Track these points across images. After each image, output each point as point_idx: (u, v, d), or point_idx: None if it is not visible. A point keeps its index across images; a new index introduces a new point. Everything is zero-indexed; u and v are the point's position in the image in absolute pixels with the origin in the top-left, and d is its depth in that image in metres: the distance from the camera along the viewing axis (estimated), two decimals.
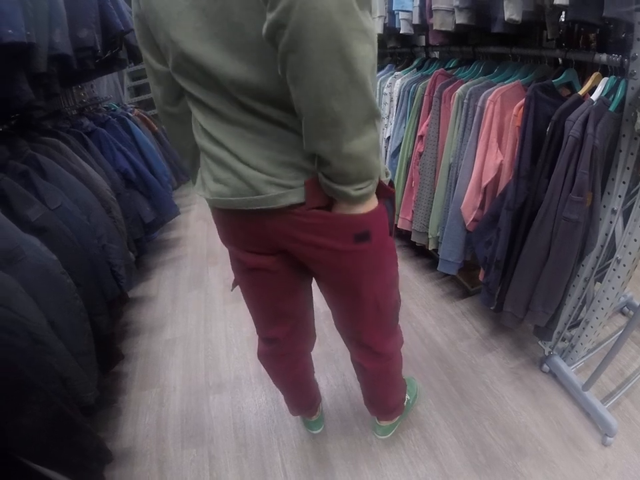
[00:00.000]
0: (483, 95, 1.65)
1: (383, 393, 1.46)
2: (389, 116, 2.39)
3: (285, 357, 1.34)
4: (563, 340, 1.72)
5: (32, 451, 1.06)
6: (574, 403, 1.62)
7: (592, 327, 1.56)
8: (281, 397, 1.60)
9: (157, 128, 3.58)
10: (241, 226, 0.94)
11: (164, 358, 2.19)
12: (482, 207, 1.77)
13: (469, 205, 1.76)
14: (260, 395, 1.87)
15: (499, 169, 1.64)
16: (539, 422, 1.58)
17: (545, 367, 1.75)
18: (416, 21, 1.96)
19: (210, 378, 2.02)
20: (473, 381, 1.78)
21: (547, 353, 1.76)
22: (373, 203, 0.83)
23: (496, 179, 1.67)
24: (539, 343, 1.81)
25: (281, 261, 0.99)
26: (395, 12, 2.11)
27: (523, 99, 1.47)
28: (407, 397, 1.62)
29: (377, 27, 2.29)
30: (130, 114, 3.22)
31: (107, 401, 1.87)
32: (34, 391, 1.04)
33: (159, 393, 1.98)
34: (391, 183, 0.97)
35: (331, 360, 1.98)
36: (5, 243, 1.26)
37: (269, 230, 0.90)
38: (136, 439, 1.77)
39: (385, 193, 0.89)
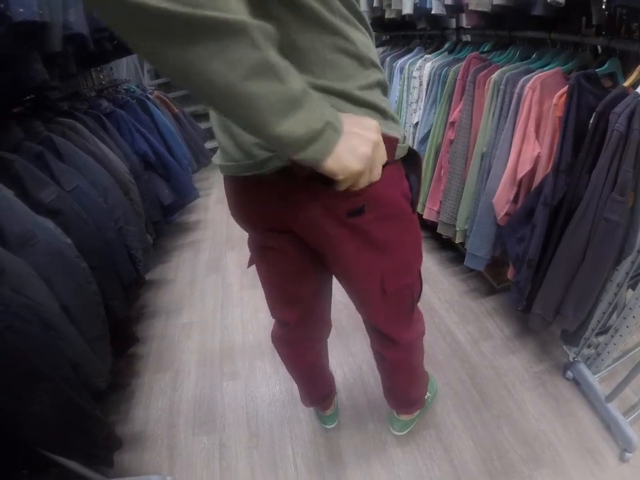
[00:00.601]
0: (521, 81, 1.57)
1: (404, 384, 1.42)
2: (417, 101, 2.32)
3: (297, 343, 1.32)
4: (589, 347, 1.64)
5: (41, 438, 1.06)
6: (595, 413, 1.56)
7: (621, 335, 1.48)
8: (295, 388, 1.57)
9: (177, 110, 3.56)
10: (244, 196, 0.91)
11: (179, 342, 2.19)
12: (515, 200, 1.69)
13: (502, 198, 1.68)
14: (274, 385, 1.85)
15: (536, 161, 1.56)
16: (558, 431, 1.53)
17: (569, 373, 1.69)
18: (449, 1, 1.88)
19: (225, 364, 2.01)
20: (495, 383, 1.73)
21: (571, 359, 1.69)
22: (350, 163, 0.62)
23: (532, 172, 1.60)
24: (564, 347, 1.74)
25: (289, 240, 0.94)
26: None
27: (564, 88, 1.39)
28: (427, 392, 1.58)
29: (407, 7, 2.19)
30: (150, 96, 3.19)
31: (121, 384, 1.90)
32: (43, 379, 1.03)
33: (172, 377, 1.98)
34: (413, 152, 0.90)
35: (348, 353, 1.94)
36: (17, 227, 1.24)
37: (266, 202, 0.86)
38: (147, 423, 1.78)
39: (392, 153, 0.78)
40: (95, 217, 1.68)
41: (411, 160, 0.89)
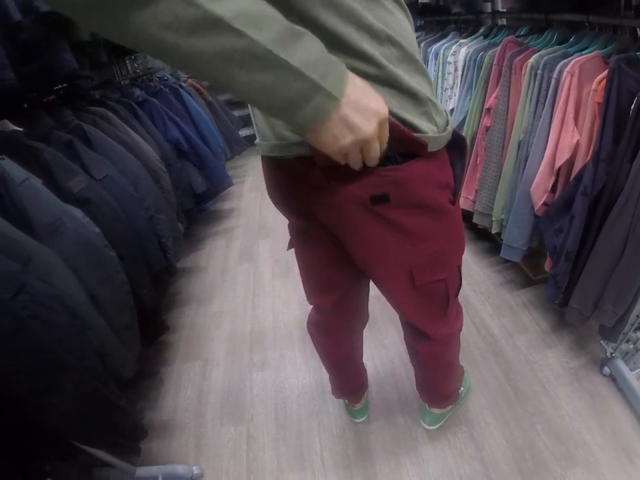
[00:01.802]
0: (559, 65, 1.48)
1: (437, 379, 1.38)
2: (452, 87, 2.24)
3: (332, 332, 1.30)
4: (628, 342, 1.56)
5: (65, 428, 1.07)
6: (632, 411, 1.48)
7: None
8: (325, 380, 1.57)
9: (210, 98, 3.56)
10: (275, 179, 0.90)
11: (210, 331, 2.20)
12: (553, 190, 1.61)
13: (540, 187, 1.61)
14: (304, 377, 1.83)
15: (575, 149, 1.47)
16: (593, 429, 1.46)
17: (606, 369, 1.61)
18: None
19: (254, 354, 2.00)
20: (530, 379, 1.66)
21: (609, 355, 1.61)
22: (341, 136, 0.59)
23: (571, 160, 1.51)
24: (601, 342, 1.66)
25: (324, 226, 0.90)
26: None
27: (604, 72, 1.30)
28: (461, 387, 1.54)
29: None
30: (183, 84, 3.20)
31: (150, 372, 1.92)
32: (68, 370, 1.03)
33: (202, 366, 1.99)
34: (460, 138, 0.86)
35: (380, 345, 1.91)
36: (45, 216, 1.24)
37: (294, 186, 0.85)
38: (176, 411, 1.79)
39: (417, 146, 0.73)
40: (125, 205, 1.68)
41: (457, 147, 0.85)
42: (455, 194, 0.88)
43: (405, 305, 1.08)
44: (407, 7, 0.74)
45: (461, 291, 1.93)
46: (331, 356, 1.40)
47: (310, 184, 0.79)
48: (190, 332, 2.21)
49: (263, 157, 0.88)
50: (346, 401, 1.62)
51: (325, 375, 1.68)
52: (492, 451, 1.45)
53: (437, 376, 1.37)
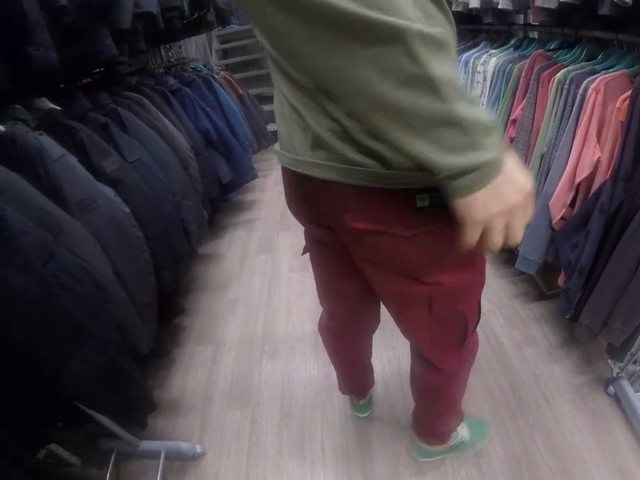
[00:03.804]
0: (585, 82, 1.49)
1: (432, 412, 1.35)
2: (480, 96, 2.25)
3: (343, 336, 1.32)
4: (635, 363, 1.55)
5: (80, 393, 1.12)
6: (632, 433, 1.48)
7: None
8: (332, 374, 1.59)
9: (241, 91, 3.61)
10: (289, 187, 0.89)
11: (224, 317, 2.25)
12: (572, 205, 1.62)
13: (559, 201, 1.62)
14: (312, 368, 1.88)
15: (596, 166, 1.48)
16: (592, 448, 1.46)
17: (611, 389, 1.61)
18: None
19: (266, 343, 2.05)
20: (534, 391, 1.67)
21: (614, 374, 1.60)
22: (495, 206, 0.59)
23: (591, 177, 1.51)
24: (609, 361, 1.66)
25: (337, 238, 0.88)
26: None
27: (629, 92, 1.30)
28: (465, 434, 1.47)
29: (474, 1, 2.15)
30: (216, 75, 3.26)
31: (162, 352, 1.97)
32: (89, 338, 1.09)
33: (213, 350, 2.05)
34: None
35: (389, 345, 1.93)
36: (79, 192, 1.31)
37: (307, 199, 0.84)
38: (184, 392, 1.85)
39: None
40: (154, 189, 1.74)
41: None
42: None
43: (419, 332, 1.05)
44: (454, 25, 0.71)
45: None
46: (340, 357, 1.42)
47: (324, 202, 0.80)
48: (205, 317, 2.27)
49: (283, 167, 0.86)
50: (352, 398, 1.65)
51: (332, 369, 1.71)
52: (490, 458, 1.47)
53: (433, 409, 1.34)
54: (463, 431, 1.45)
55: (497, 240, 0.62)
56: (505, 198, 0.57)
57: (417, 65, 0.47)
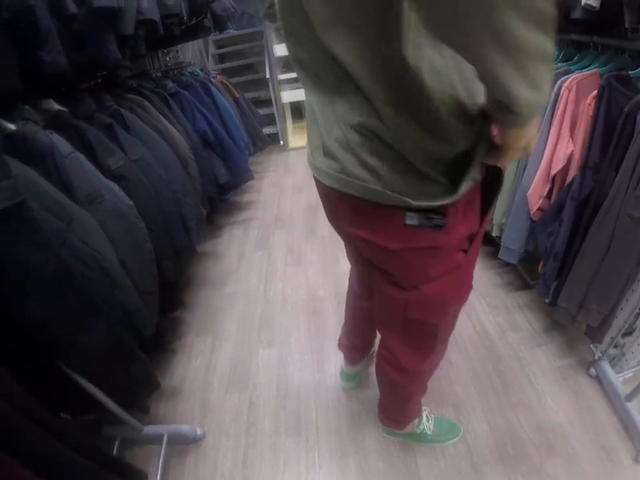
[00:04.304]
0: (559, 81, 1.59)
1: (389, 400, 1.46)
2: None
3: (361, 294, 1.44)
4: (615, 347, 1.64)
5: (86, 368, 1.19)
6: (614, 412, 1.56)
7: None
8: (325, 359, 1.75)
9: (237, 95, 3.70)
10: (316, 186, 0.97)
11: (223, 310, 2.34)
12: (549, 196, 1.72)
13: (536, 193, 1.72)
14: (306, 354, 1.97)
15: (569, 159, 1.58)
16: (575, 424, 1.54)
17: (592, 370, 1.69)
18: None
19: (262, 333, 2.14)
20: (517, 373, 1.76)
21: (596, 357, 1.69)
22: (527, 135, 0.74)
23: (565, 169, 1.62)
24: (590, 346, 1.74)
25: None
26: None
27: None
28: (429, 428, 1.53)
29: None
30: (212, 79, 3.35)
31: (164, 343, 2.06)
32: (100, 314, 1.18)
33: (212, 340, 2.14)
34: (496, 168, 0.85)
35: None
36: (87, 186, 1.40)
37: (323, 196, 0.96)
38: (185, 379, 1.94)
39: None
40: (155, 186, 1.84)
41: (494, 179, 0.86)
42: (472, 241, 0.88)
43: (391, 331, 1.16)
44: None
45: None
46: (354, 307, 1.51)
47: (335, 211, 0.91)
48: (204, 310, 2.36)
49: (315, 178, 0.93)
50: (342, 364, 1.74)
51: (325, 354, 1.82)
52: (476, 434, 1.55)
53: (391, 399, 1.44)
54: (429, 424, 1.53)
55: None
56: (530, 130, 0.71)
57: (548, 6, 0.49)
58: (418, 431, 1.52)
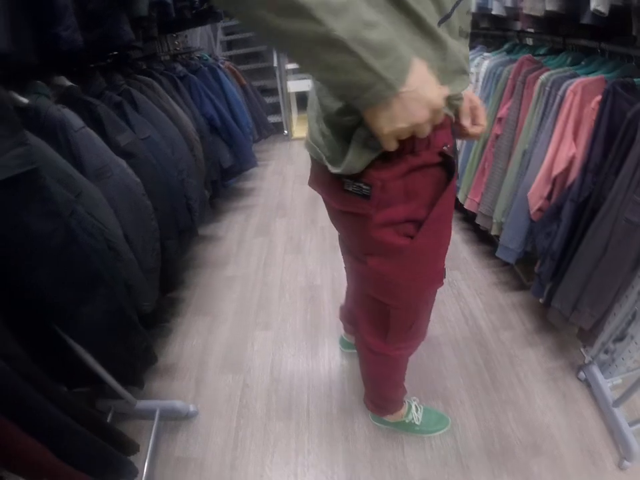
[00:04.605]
0: (565, 84, 1.61)
1: (366, 385, 1.50)
2: None
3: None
4: (606, 352, 1.65)
5: (87, 338, 1.21)
6: (601, 417, 1.58)
7: (636, 342, 1.49)
8: (319, 345, 1.81)
9: (245, 82, 3.70)
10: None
11: (221, 291, 2.37)
12: (549, 198, 1.74)
13: (536, 193, 1.74)
14: (301, 340, 2.00)
15: (571, 161, 1.60)
16: (562, 426, 1.56)
17: (582, 374, 1.71)
18: (508, 3, 1.96)
19: (259, 316, 2.17)
20: (507, 371, 1.78)
21: (586, 361, 1.71)
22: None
23: (566, 171, 1.63)
24: (581, 349, 1.77)
25: None
26: None
27: None
28: (418, 419, 1.56)
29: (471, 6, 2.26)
30: (221, 65, 3.35)
31: (161, 320, 2.07)
32: (102, 285, 1.20)
33: (210, 320, 2.17)
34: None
35: None
36: (96, 160, 1.43)
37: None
38: (180, 358, 1.97)
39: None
40: (162, 165, 1.87)
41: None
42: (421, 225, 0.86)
43: (357, 307, 1.20)
44: None
45: (456, 284, 2.05)
46: (347, 272, 1.47)
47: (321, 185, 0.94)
48: (203, 291, 2.39)
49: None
50: (342, 331, 1.80)
51: (319, 341, 1.85)
52: (464, 428, 1.58)
53: (368, 384, 1.48)
54: (417, 414, 1.56)
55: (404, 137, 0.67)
56: (410, 113, 0.62)
57: None
58: (406, 421, 1.55)
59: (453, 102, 0.79)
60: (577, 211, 1.53)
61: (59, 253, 1.05)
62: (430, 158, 0.78)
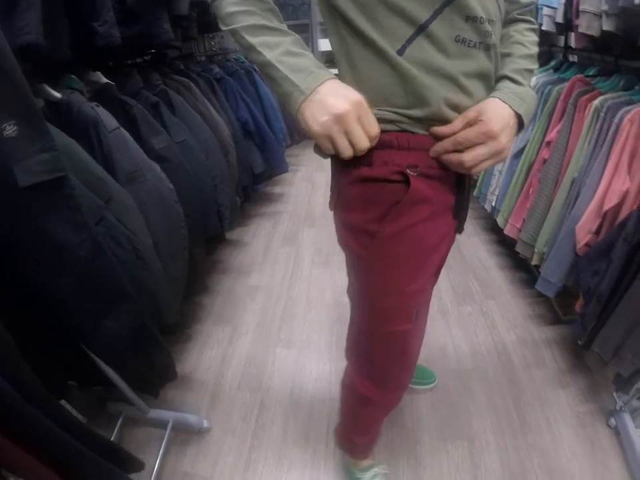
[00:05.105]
0: (621, 111, 1.51)
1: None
2: None
3: None
4: (639, 399, 1.56)
5: (106, 351, 1.17)
6: (627, 468, 1.47)
7: None
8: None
9: None
10: None
11: (244, 301, 2.31)
12: (598, 232, 1.64)
13: (585, 227, 1.63)
14: (325, 362, 1.92)
15: (624, 196, 1.51)
16: (586, 477, 1.47)
17: (612, 421, 1.61)
18: (559, 19, 1.88)
19: (282, 332, 2.10)
20: (537, 413, 1.68)
21: (618, 407, 1.61)
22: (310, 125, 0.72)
23: (618, 206, 1.54)
24: (614, 394, 1.66)
25: None
26: (540, 6, 2.03)
27: None
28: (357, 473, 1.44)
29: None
30: (257, 68, 3.30)
31: (181, 326, 2.02)
32: (127, 300, 1.15)
33: (230, 331, 2.11)
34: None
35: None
36: (129, 164, 1.38)
37: None
38: (198, 367, 1.91)
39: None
40: (196, 170, 1.82)
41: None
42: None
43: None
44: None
45: (490, 314, 1.96)
46: None
47: None
48: (225, 298, 2.33)
49: None
50: None
51: (344, 366, 1.76)
52: (487, 472, 1.49)
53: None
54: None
55: (341, 147, 0.70)
56: (315, 118, 0.69)
57: (243, 40, 0.73)
58: (358, 475, 1.43)
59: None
60: (630, 253, 1.41)
61: (84, 265, 1.00)
62: (387, 174, 0.77)
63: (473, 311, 2.20)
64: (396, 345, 1.00)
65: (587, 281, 1.62)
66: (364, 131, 0.70)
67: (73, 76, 1.43)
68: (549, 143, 1.93)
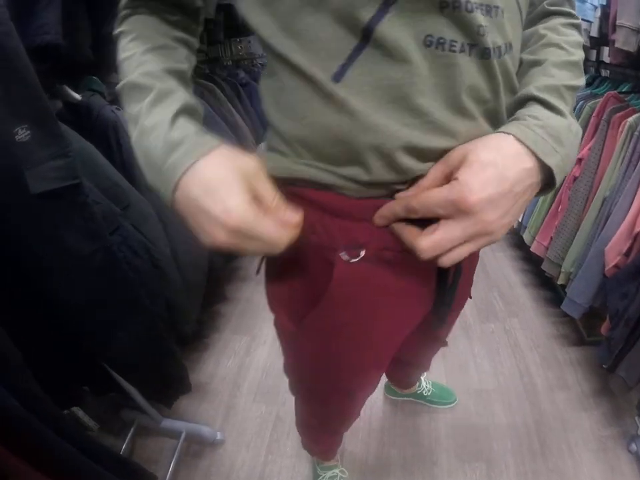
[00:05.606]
0: None
1: None
2: None
3: None
4: None
5: (122, 364, 1.15)
6: None
7: None
8: None
9: None
10: None
11: (263, 310, 2.24)
12: (627, 254, 1.57)
13: (615, 248, 1.57)
14: None
15: None
16: None
17: (633, 447, 1.54)
18: (594, 33, 1.85)
19: None
20: (559, 436, 1.62)
21: (639, 432, 1.56)
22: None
23: None
24: (636, 418, 1.60)
25: None
26: None
27: None
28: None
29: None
30: None
31: (198, 335, 1.99)
32: (141, 311, 1.12)
33: (248, 341, 2.07)
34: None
35: None
36: None
37: None
38: (213, 378, 1.88)
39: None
40: None
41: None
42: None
43: None
44: None
45: (513, 332, 1.91)
46: None
47: None
48: (244, 307, 2.29)
49: None
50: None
51: None
52: None
53: None
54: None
55: (255, 253, 0.49)
56: (201, 227, 0.47)
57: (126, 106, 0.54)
58: (317, 472, 1.45)
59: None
60: None
61: (97, 276, 0.98)
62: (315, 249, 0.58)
63: (495, 328, 2.13)
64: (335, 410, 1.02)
65: (615, 304, 1.56)
66: (278, 225, 0.45)
67: (94, 77, 1.41)
68: (580, 160, 1.87)
